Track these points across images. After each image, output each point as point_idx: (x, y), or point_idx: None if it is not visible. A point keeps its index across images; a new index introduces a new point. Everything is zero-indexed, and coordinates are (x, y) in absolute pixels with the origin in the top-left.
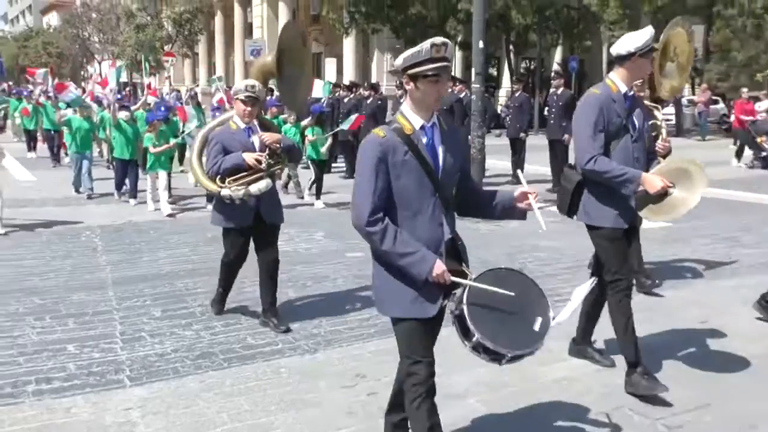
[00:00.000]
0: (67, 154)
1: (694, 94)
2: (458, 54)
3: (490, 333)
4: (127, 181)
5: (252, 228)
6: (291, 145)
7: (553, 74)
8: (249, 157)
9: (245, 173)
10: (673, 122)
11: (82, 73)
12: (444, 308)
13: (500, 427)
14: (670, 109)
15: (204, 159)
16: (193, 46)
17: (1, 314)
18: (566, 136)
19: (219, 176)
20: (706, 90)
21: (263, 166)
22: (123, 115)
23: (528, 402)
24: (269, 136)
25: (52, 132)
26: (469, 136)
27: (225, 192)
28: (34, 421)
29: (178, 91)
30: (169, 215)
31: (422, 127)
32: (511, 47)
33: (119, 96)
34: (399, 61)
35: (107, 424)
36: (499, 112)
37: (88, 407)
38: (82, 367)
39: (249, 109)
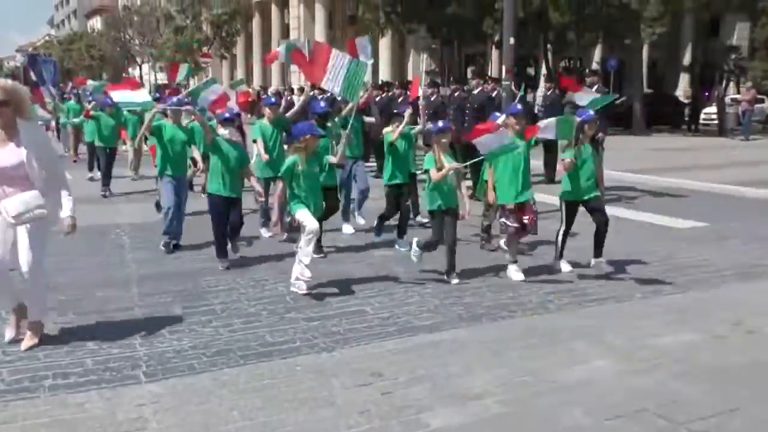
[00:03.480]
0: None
1: (738, 92)
2: (495, 53)
3: None
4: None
5: None
6: None
7: (587, 71)
8: None
9: None
10: (716, 122)
11: (123, 75)
12: None
13: (517, 429)
14: (712, 108)
15: None
16: (230, 48)
17: None
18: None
19: None
20: (751, 89)
21: None
22: (225, 132)
23: (546, 403)
24: None
25: (107, 150)
26: None
27: None
28: (46, 416)
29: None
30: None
31: None
32: (549, 47)
33: (234, 112)
34: None
35: (119, 420)
36: (536, 112)
37: (101, 403)
38: (99, 362)
39: None
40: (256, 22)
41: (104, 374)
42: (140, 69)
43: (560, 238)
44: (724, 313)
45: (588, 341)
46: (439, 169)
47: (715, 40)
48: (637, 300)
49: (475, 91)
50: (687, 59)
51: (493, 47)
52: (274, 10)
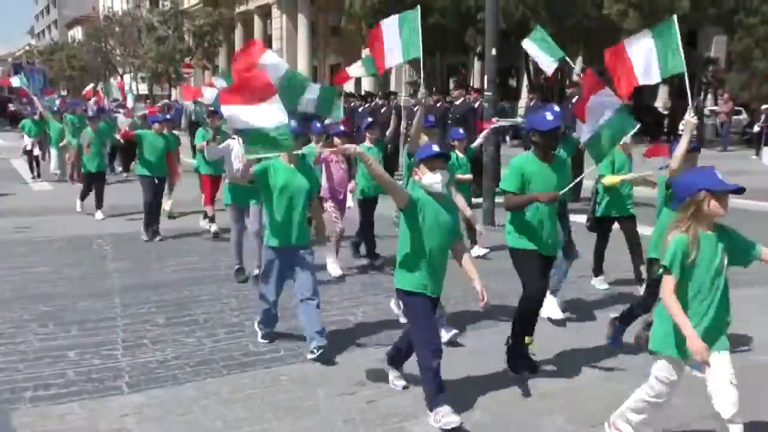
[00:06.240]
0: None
1: (716, 104)
2: (477, 65)
3: None
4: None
5: None
6: None
7: (567, 82)
8: None
9: None
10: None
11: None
12: None
13: None
14: None
15: None
16: (212, 58)
17: (5, 321)
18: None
19: None
20: (729, 100)
21: None
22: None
23: (530, 411)
24: None
25: (156, 180)
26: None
27: None
28: (27, 428)
29: None
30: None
31: None
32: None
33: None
34: None
35: (101, 430)
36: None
37: (83, 414)
38: (81, 373)
39: None
40: (238, 33)
41: (86, 385)
42: (122, 79)
43: None
44: None
45: (571, 349)
46: None
47: (694, 52)
48: (618, 308)
49: (458, 102)
50: None
51: (476, 58)
52: (257, 21)
